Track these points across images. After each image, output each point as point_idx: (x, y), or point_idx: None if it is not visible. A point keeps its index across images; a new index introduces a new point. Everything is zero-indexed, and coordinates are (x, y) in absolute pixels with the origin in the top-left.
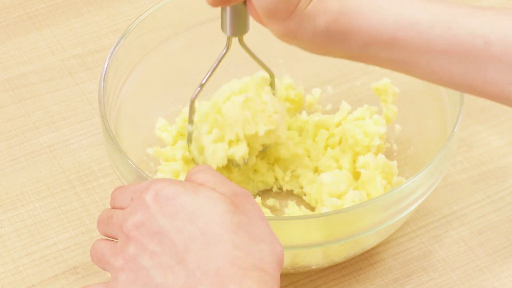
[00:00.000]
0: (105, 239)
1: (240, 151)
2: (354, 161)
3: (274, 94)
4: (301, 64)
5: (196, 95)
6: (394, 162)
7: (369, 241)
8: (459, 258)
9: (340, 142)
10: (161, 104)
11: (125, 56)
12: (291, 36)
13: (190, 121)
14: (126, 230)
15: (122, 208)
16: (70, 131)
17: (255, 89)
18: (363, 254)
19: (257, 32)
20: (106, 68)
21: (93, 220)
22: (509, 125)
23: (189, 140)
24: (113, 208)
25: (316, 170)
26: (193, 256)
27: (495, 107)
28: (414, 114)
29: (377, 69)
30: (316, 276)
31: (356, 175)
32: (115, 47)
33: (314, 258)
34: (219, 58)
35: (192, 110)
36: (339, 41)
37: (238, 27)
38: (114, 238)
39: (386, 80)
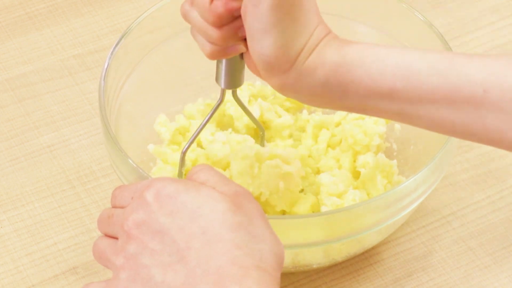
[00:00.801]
0: (106, 237)
1: None
2: (354, 161)
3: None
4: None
5: (187, 148)
6: (394, 161)
7: (369, 240)
8: (459, 258)
9: (340, 142)
10: (161, 104)
11: (125, 56)
12: (289, 89)
13: (180, 174)
14: (127, 229)
15: (122, 207)
16: (70, 131)
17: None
18: (363, 254)
19: None
20: (106, 68)
21: (93, 220)
22: None
23: None
24: (114, 207)
25: (318, 172)
26: (193, 254)
27: None
28: None
29: None
30: (316, 276)
31: (356, 175)
32: (115, 47)
33: (315, 257)
34: (213, 110)
35: (182, 163)
36: (338, 94)
37: (233, 80)
38: (115, 237)
39: None
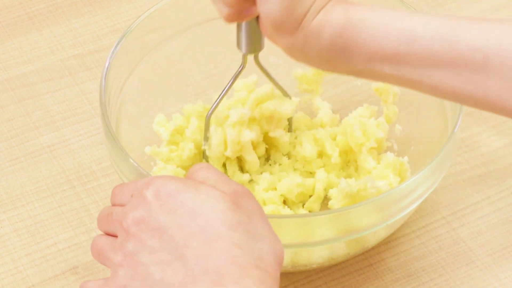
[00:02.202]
0: (105, 235)
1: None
2: (347, 154)
3: (291, 124)
4: (301, 65)
5: (212, 112)
6: (405, 158)
7: (369, 240)
8: (459, 259)
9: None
10: (161, 104)
11: (126, 56)
12: (298, 51)
13: (205, 138)
14: (126, 226)
15: (122, 205)
16: (70, 131)
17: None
18: (363, 254)
19: None
20: (107, 68)
21: (93, 220)
22: (510, 126)
23: (205, 158)
24: (113, 205)
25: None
26: (192, 252)
27: None
28: (414, 114)
29: None
30: (316, 276)
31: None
32: (115, 46)
33: (314, 257)
34: (234, 76)
35: (207, 127)
36: (344, 56)
37: (254, 44)
38: (115, 235)
39: None
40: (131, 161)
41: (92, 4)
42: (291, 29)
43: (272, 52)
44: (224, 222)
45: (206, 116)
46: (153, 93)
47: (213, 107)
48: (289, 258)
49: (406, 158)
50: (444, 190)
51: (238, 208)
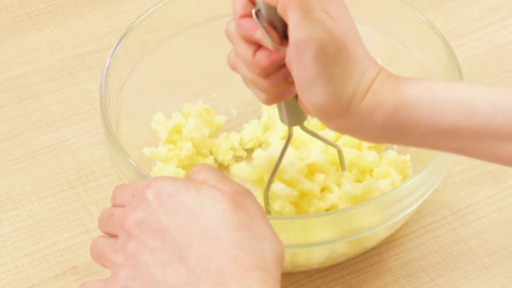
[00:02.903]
0: (105, 236)
1: None
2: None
3: (343, 169)
4: None
5: (268, 187)
6: (407, 156)
7: (369, 241)
8: (459, 259)
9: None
10: (161, 103)
11: (126, 56)
12: (347, 132)
13: (267, 212)
14: (127, 227)
15: (123, 206)
16: (70, 131)
17: None
18: (363, 254)
19: None
20: (107, 68)
21: (93, 220)
22: None
23: None
24: (114, 206)
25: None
26: (193, 253)
27: None
28: None
29: None
30: (316, 276)
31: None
32: (115, 46)
33: (314, 258)
34: (284, 147)
35: (266, 201)
36: (397, 134)
37: (296, 117)
38: (115, 236)
39: None
40: (131, 161)
41: (92, 4)
42: (338, 114)
43: None
44: (224, 222)
45: (264, 191)
46: (153, 93)
47: (269, 182)
48: (289, 259)
49: (408, 156)
50: (444, 190)
51: (239, 208)
